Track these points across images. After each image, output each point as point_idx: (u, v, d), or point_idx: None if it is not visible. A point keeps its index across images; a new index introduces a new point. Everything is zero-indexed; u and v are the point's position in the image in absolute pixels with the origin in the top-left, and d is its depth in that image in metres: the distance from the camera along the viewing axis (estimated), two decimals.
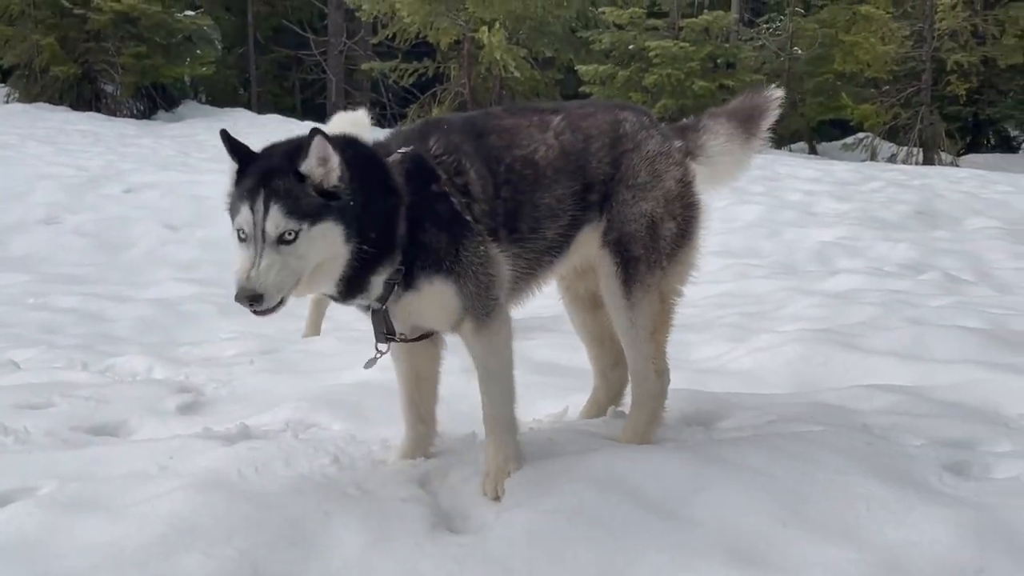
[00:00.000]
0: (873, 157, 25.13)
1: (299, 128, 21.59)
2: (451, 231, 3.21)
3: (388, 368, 3.62)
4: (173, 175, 14.12)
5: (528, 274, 3.54)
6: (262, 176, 2.96)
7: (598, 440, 3.73)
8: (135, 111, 24.88)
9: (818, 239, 10.89)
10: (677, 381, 3.93)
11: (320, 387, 4.79)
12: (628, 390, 4.07)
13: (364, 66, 27.35)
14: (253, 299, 2.89)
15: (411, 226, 3.16)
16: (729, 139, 3.87)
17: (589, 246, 3.66)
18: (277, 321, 7.43)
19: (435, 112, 24.35)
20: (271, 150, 3.09)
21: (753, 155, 3.98)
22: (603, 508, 3.06)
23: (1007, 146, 30.13)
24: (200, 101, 27.98)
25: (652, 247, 3.62)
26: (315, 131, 2.99)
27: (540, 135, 3.53)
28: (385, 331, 3.33)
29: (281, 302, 2.96)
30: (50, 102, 23.33)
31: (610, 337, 3.99)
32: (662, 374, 3.77)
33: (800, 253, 10.54)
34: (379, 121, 28.29)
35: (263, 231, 2.92)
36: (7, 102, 23.61)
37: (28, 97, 23.72)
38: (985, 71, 26.88)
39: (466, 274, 3.23)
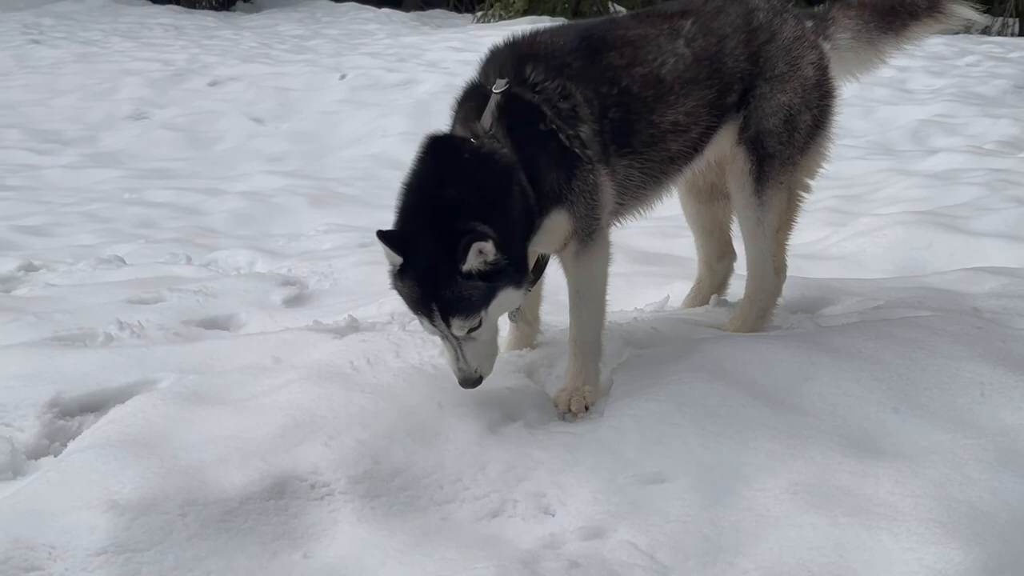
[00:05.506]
0: (967, 29, 24.16)
1: (375, 18, 21.35)
2: (563, 166, 3.15)
3: None
4: (257, 67, 14.13)
5: (650, 184, 3.45)
6: (428, 287, 2.92)
7: (702, 330, 3.72)
8: (214, 3, 24.77)
9: (913, 117, 10.59)
10: None
11: None
12: (732, 281, 4.06)
13: None
14: (477, 383, 3.03)
15: (531, 179, 3.09)
16: (856, 35, 3.75)
17: (724, 143, 3.59)
18: (372, 214, 7.54)
19: None
20: (425, 237, 2.93)
21: (887, 54, 3.84)
22: (712, 397, 3.07)
23: None
24: None
25: (787, 142, 3.55)
26: (473, 236, 2.83)
27: (669, 45, 3.40)
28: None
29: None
30: None
31: (719, 228, 3.96)
32: (780, 271, 3.73)
33: (895, 132, 10.26)
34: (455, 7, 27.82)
35: (452, 335, 2.95)
36: None
37: None
38: None
39: (577, 201, 3.18)
